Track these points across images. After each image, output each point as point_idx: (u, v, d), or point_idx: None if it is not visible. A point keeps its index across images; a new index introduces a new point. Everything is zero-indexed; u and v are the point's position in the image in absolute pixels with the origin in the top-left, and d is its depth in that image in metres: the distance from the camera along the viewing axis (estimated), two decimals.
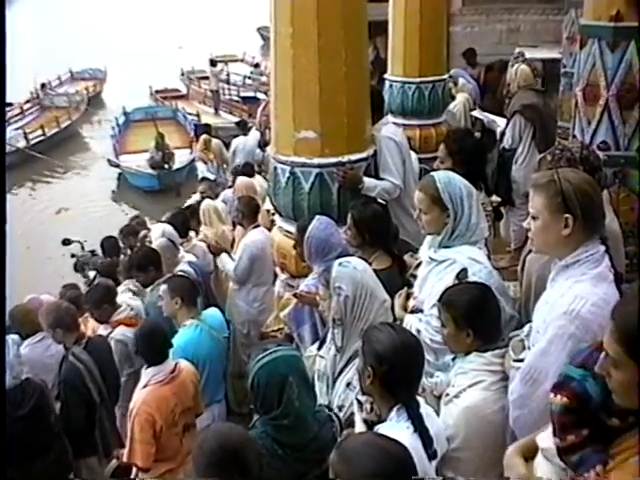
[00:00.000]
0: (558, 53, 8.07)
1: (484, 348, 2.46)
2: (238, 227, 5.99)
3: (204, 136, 11.82)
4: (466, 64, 9.53)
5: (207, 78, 21.02)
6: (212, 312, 4.28)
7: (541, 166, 2.92)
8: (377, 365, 2.20)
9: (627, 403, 1.59)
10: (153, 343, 3.53)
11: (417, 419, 2.16)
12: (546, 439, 1.86)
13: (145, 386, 3.51)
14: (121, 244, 7.37)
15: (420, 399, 2.32)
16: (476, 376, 2.43)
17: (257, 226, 5.33)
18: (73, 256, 8.36)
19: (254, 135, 11.18)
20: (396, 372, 2.19)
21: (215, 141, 11.78)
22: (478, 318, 2.44)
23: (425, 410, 2.27)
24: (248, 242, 5.17)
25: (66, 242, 8.65)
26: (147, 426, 3.42)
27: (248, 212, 5.39)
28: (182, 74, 22.72)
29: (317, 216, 3.61)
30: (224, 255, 5.22)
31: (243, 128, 12.28)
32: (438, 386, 2.58)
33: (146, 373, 3.54)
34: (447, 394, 2.49)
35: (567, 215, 2.13)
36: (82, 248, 8.56)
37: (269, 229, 5.34)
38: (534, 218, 2.23)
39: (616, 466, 1.61)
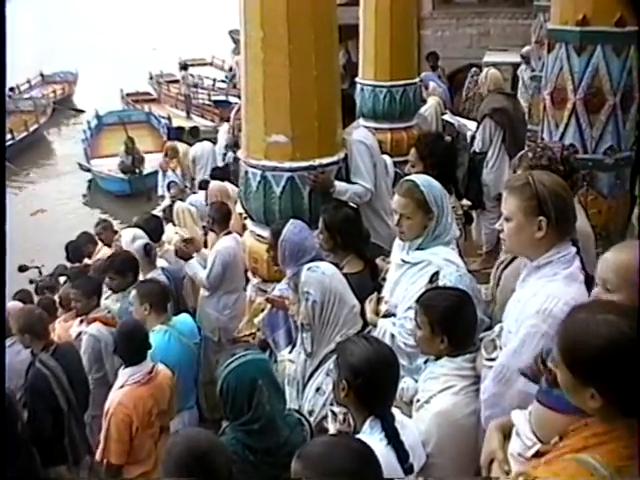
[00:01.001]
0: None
1: (455, 353, 2.47)
2: (210, 233, 5.96)
3: (168, 144, 11.72)
4: (430, 67, 9.61)
5: (176, 82, 20.91)
6: (182, 318, 4.24)
7: (521, 163, 2.93)
8: (352, 378, 2.20)
9: (571, 402, 1.62)
10: (132, 342, 3.51)
11: (391, 431, 2.16)
12: (519, 415, 1.91)
13: (122, 386, 3.48)
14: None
15: (396, 410, 2.32)
16: (447, 381, 2.44)
17: (229, 232, 5.29)
18: (32, 282, 8.13)
19: (208, 145, 11.15)
20: (371, 385, 2.19)
21: (183, 148, 11.63)
22: (454, 326, 2.45)
23: (402, 422, 2.27)
24: (220, 249, 5.13)
25: (23, 269, 8.43)
26: (123, 426, 3.40)
27: (219, 218, 5.33)
28: (150, 77, 22.56)
29: (291, 220, 3.60)
30: (193, 261, 5.15)
31: (195, 135, 12.21)
32: (405, 392, 2.58)
33: (123, 373, 3.51)
34: (418, 399, 2.49)
35: (541, 218, 2.16)
36: (40, 273, 8.39)
37: (241, 234, 5.32)
38: (507, 220, 2.25)
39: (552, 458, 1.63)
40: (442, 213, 2.83)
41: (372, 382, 2.19)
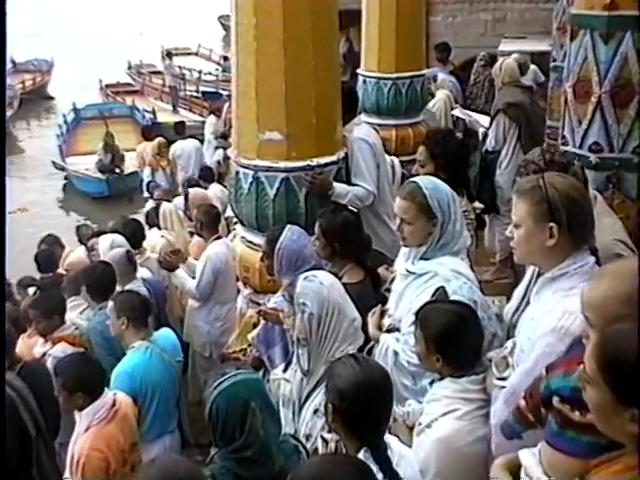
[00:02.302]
0: (548, 45, 8.17)
1: (459, 374, 2.47)
2: (196, 238, 5.97)
3: (159, 139, 11.72)
4: (437, 60, 9.45)
5: (158, 73, 20.93)
6: (164, 333, 4.24)
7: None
8: (338, 402, 2.21)
9: (601, 427, 1.60)
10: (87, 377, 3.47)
11: (385, 463, 2.16)
12: (528, 456, 1.91)
13: (87, 429, 3.43)
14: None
15: (393, 439, 2.32)
16: (449, 404, 2.44)
17: (219, 237, 5.31)
18: None
19: (193, 142, 11.17)
20: (358, 410, 2.19)
21: (181, 146, 11.63)
22: (449, 346, 2.46)
23: (398, 451, 2.27)
24: (211, 255, 5.14)
25: None
26: (100, 472, 3.33)
27: (208, 222, 5.35)
28: (129, 67, 22.57)
29: (288, 225, 3.62)
30: (180, 271, 5.15)
31: (180, 131, 12.20)
32: (410, 416, 2.59)
33: (85, 414, 3.43)
34: (419, 423, 2.50)
35: (552, 224, 2.16)
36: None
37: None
38: (516, 226, 2.27)
39: None
40: (448, 219, 2.83)
41: (359, 407, 2.19)
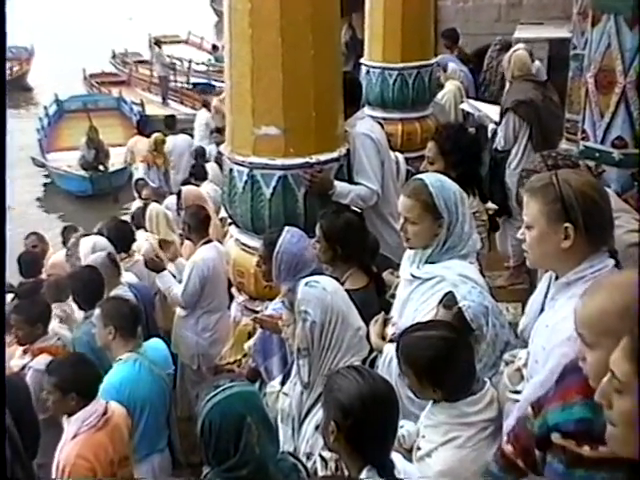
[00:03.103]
0: (568, 32, 8.12)
1: (455, 397, 2.46)
2: (186, 242, 5.98)
3: (156, 135, 11.73)
4: (446, 48, 9.44)
5: (145, 62, 20.94)
6: (154, 344, 4.25)
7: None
8: (342, 419, 2.20)
9: (626, 448, 1.55)
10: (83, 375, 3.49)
11: None
12: None
13: (75, 435, 3.45)
14: None
15: (397, 456, 2.33)
16: (448, 431, 2.44)
17: (208, 241, 5.31)
18: None
19: (185, 138, 11.16)
20: (364, 427, 2.19)
21: (172, 142, 11.61)
22: (445, 375, 2.44)
23: (405, 470, 2.28)
24: (198, 260, 5.15)
25: None
26: None
27: (197, 224, 5.34)
28: (113, 56, 22.59)
29: (287, 227, 3.63)
30: (166, 273, 5.16)
31: (171, 126, 12.18)
32: (406, 439, 2.59)
33: (74, 420, 3.47)
34: (419, 447, 2.50)
35: (567, 224, 2.16)
36: None
37: (220, 242, 5.34)
38: (529, 227, 2.26)
39: None
40: (455, 220, 2.85)
41: (366, 424, 2.18)
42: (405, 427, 2.61)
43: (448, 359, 2.43)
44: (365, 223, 3.78)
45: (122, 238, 5.62)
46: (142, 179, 10.18)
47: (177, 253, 5.49)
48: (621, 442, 1.56)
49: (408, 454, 2.53)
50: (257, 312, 3.98)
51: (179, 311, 5.36)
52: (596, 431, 1.69)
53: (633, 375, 1.49)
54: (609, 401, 1.55)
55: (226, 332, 5.07)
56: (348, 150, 4.26)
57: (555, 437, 1.83)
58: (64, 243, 7.34)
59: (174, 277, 5.27)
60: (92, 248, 5.22)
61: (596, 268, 2.18)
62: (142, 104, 17.77)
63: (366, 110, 5.49)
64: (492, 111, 6.83)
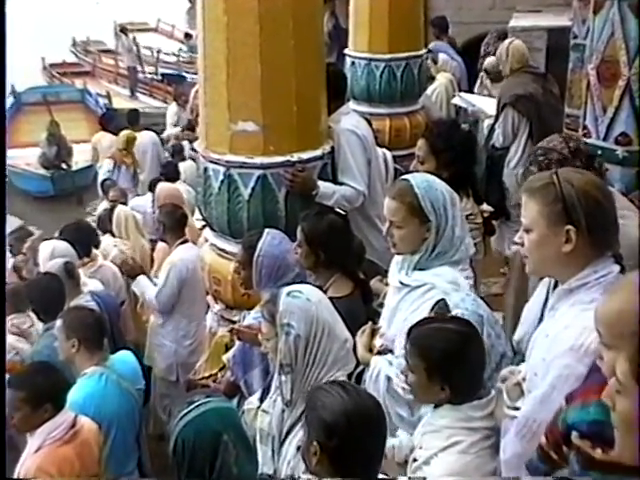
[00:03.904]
0: (568, 20, 8.16)
1: (460, 400, 2.48)
2: (160, 245, 5.97)
3: (127, 133, 11.65)
4: (435, 37, 9.48)
5: (110, 51, 20.86)
6: (123, 357, 4.23)
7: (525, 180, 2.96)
8: (325, 439, 2.19)
9: (626, 452, 1.60)
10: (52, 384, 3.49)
11: None
12: None
13: (39, 449, 3.44)
14: None
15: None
16: (451, 436, 2.45)
17: (185, 241, 5.32)
18: None
19: (149, 135, 11.12)
20: (350, 447, 2.19)
21: (144, 139, 11.54)
22: (457, 371, 2.46)
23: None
24: (175, 260, 5.16)
25: None
26: None
27: (172, 224, 5.36)
28: (74, 44, 22.46)
29: (267, 229, 3.64)
30: (142, 278, 5.16)
31: (134, 121, 12.12)
32: (397, 450, 2.60)
33: (39, 432, 3.47)
34: (414, 459, 2.51)
35: (568, 226, 2.17)
36: None
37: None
38: (527, 230, 2.27)
39: None
40: (444, 223, 2.87)
41: (351, 443, 2.18)
42: (400, 437, 2.62)
43: (462, 353, 2.45)
44: (350, 226, 3.79)
45: (83, 241, 5.60)
46: (109, 179, 10.13)
47: (138, 270, 5.44)
48: (621, 446, 1.61)
49: (399, 468, 2.54)
50: (234, 322, 3.99)
51: (154, 318, 5.34)
52: (608, 434, 1.71)
53: (631, 376, 1.53)
54: (614, 402, 1.60)
55: (206, 341, 5.10)
56: (332, 148, 4.27)
57: (574, 436, 1.86)
58: (12, 248, 7.27)
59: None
60: (51, 254, 5.18)
61: (600, 274, 2.18)
62: (109, 97, 17.69)
63: (351, 105, 5.51)
64: (488, 105, 6.86)
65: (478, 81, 8.58)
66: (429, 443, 2.48)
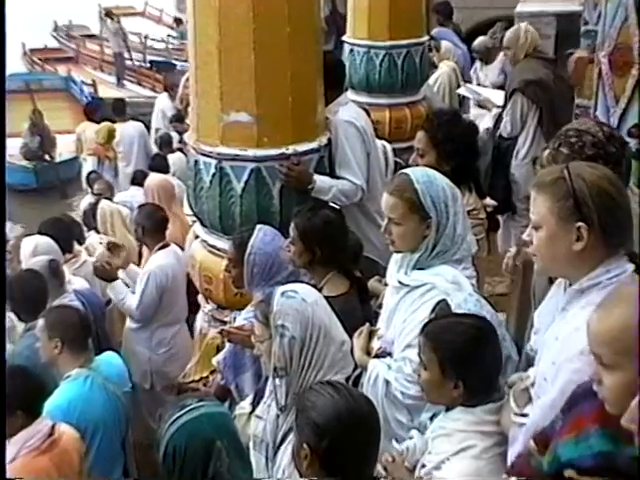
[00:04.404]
0: (578, 4, 8.14)
1: (473, 402, 2.50)
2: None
3: (108, 125, 11.61)
4: (438, 24, 9.46)
5: (94, 37, 20.82)
6: (108, 358, 4.23)
7: (556, 161, 2.89)
8: (316, 442, 2.20)
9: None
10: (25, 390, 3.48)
11: None
12: None
13: (14, 459, 3.43)
14: None
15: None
16: (463, 439, 2.46)
17: (166, 245, 5.30)
18: None
19: (135, 125, 11.09)
20: (342, 450, 2.20)
21: (130, 130, 11.50)
22: (473, 368, 2.47)
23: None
24: (154, 268, 5.13)
25: None
26: None
27: (152, 226, 5.29)
28: (55, 28, 22.39)
29: (259, 225, 3.65)
30: (118, 283, 5.12)
31: (120, 111, 12.09)
32: (410, 453, 2.61)
33: (14, 441, 3.45)
34: (423, 465, 2.52)
35: (580, 224, 2.16)
36: None
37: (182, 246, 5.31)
38: (536, 227, 2.27)
39: None
40: (445, 220, 2.88)
41: (343, 446, 2.19)
42: (414, 439, 2.63)
43: (479, 350, 2.47)
44: (345, 221, 3.78)
45: (64, 236, 5.57)
46: (95, 171, 10.11)
47: (129, 259, 5.43)
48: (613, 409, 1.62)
49: (409, 474, 2.55)
50: (226, 323, 3.99)
51: (130, 323, 5.33)
52: (619, 465, 1.71)
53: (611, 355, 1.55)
54: (599, 381, 1.61)
55: (184, 347, 5.11)
56: (329, 140, 4.27)
57: (569, 473, 1.82)
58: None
59: (127, 286, 5.25)
60: (33, 251, 5.17)
61: (613, 273, 2.17)
62: (94, 85, 17.65)
63: (349, 95, 5.51)
64: (494, 95, 6.86)
65: (473, 68, 8.58)
66: (439, 447, 2.50)
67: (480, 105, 7.00)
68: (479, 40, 8.26)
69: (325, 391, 2.28)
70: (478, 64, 8.47)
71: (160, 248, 5.25)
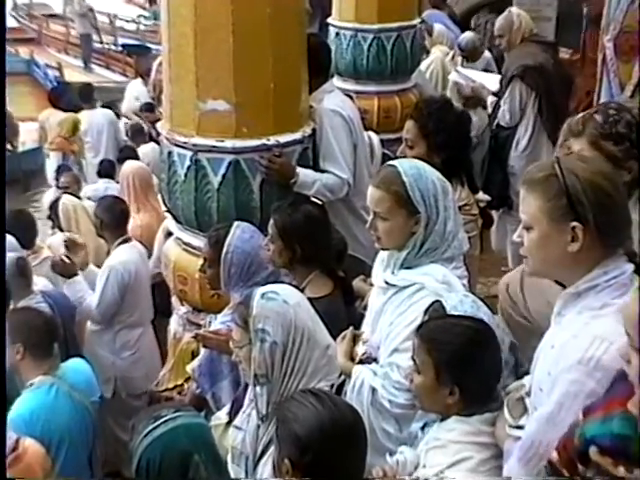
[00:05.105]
0: None
1: (470, 411, 2.51)
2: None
3: (72, 116, 11.52)
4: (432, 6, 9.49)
5: (57, 16, 20.69)
6: (76, 365, 4.22)
7: (584, 130, 2.89)
8: (297, 456, 2.21)
9: None
10: None
11: None
12: None
13: None
14: None
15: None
16: (458, 451, 2.47)
17: (127, 240, 5.30)
18: None
19: (105, 113, 11.03)
20: (326, 464, 2.20)
21: (88, 118, 11.42)
22: (470, 373, 2.47)
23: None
24: (115, 264, 5.13)
25: None
26: None
27: (111, 220, 5.29)
28: (14, 6, 22.26)
29: (236, 222, 3.66)
30: (78, 280, 5.10)
31: (86, 98, 12.03)
32: (401, 467, 2.61)
33: None
34: (416, 478, 2.53)
35: (575, 223, 2.16)
36: None
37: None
38: (527, 228, 2.26)
39: None
40: (435, 216, 2.90)
41: (327, 460, 2.19)
42: (404, 453, 2.63)
43: (477, 353, 2.48)
44: (328, 218, 3.79)
45: (24, 232, 5.56)
46: (65, 165, 10.05)
47: (88, 260, 5.40)
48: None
49: None
50: (202, 326, 4.00)
51: (91, 325, 5.32)
52: (633, 451, 1.75)
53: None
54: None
55: (149, 351, 5.13)
56: (314, 130, 4.28)
57: (592, 452, 1.86)
58: None
59: None
60: None
61: (611, 275, 2.17)
62: (59, 68, 17.54)
63: (335, 81, 5.52)
64: (489, 80, 6.85)
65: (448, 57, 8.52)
66: (434, 460, 2.50)
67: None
68: (467, 37, 8.26)
69: (307, 401, 2.29)
70: (459, 59, 8.44)
71: (120, 243, 5.26)
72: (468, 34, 8.45)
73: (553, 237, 2.21)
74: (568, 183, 2.17)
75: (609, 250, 2.20)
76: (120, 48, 19.34)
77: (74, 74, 17.68)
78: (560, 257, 2.21)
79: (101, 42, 19.72)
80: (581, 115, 3.01)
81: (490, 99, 6.51)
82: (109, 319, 5.20)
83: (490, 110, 6.33)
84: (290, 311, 2.77)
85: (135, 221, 6.02)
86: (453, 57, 8.25)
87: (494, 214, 5.85)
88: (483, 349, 2.50)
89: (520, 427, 2.33)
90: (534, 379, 2.35)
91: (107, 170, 8.56)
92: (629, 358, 1.82)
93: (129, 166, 6.75)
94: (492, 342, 2.54)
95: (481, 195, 4.58)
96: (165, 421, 2.41)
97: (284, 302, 2.79)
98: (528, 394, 2.38)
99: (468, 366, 2.47)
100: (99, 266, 5.40)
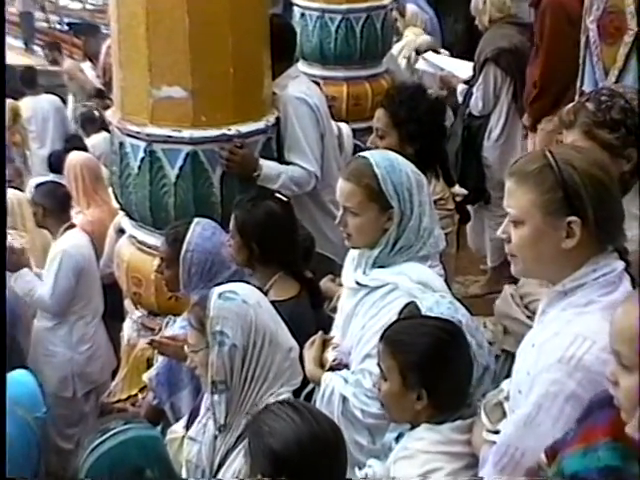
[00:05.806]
0: None
1: (440, 419, 2.51)
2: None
3: (12, 103, 11.36)
4: None
5: None
6: (19, 377, 4.18)
7: (576, 118, 2.86)
8: (273, 472, 2.20)
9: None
10: None
11: None
12: None
13: None
14: None
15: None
16: (427, 462, 2.46)
17: (72, 226, 5.29)
18: None
19: (50, 99, 10.95)
20: None
21: (32, 105, 11.29)
22: (438, 375, 2.48)
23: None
24: (67, 248, 5.13)
25: None
26: None
27: (54, 205, 5.31)
28: None
29: (197, 219, 3.65)
30: (26, 272, 5.07)
31: (30, 83, 11.91)
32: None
33: None
34: None
35: (571, 218, 2.15)
36: None
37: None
38: (516, 223, 2.24)
39: None
40: (409, 211, 2.90)
41: (305, 475, 2.20)
42: (373, 467, 2.63)
43: (445, 354, 2.47)
44: (294, 214, 3.78)
45: None
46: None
47: (22, 262, 5.37)
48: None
49: None
50: (157, 331, 3.98)
51: (42, 322, 5.29)
52: None
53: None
54: (616, 381, 1.64)
55: (104, 346, 5.13)
56: (278, 119, 4.29)
57: None
58: None
59: None
60: None
61: (600, 273, 2.17)
62: None
63: (300, 66, 5.53)
64: (460, 67, 6.85)
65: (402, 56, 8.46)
66: (402, 471, 2.50)
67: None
68: (423, 38, 8.23)
69: (284, 413, 2.28)
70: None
71: (67, 229, 5.26)
72: (425, 37, 8.43)
73: (547, 233, 2.19)
74: (564, 175, 2.16)
75: (602, 246, 2.20)
76: (66, 28, 19.16)
77: (15, 56, 17.44)
78: (552, 254, 2.21)
79: (47, 22, 19.48)
80: (572, 105, 3.02)
81: (460, 87, 6.50)
82: (65, 308, 5.17)
83: (461, 99, 6.32)
84: (250, 311, 2.77)
85: (85, 217, 5.96)
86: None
87: (470, 209, 5.87)
88: (451, 350, 2.50)
89: (498, 432, 2.31)
90: (513, 381, 2.36)
91: (56, 163, 8.47)
92: (615, 379, 1.77)
93: (75, 157, 6.68)
94: (461, 342, 2.53)
95: (457, 189, 4.60)
96: (114, 434, 2.38)
97: (243, 302, 2.79)
98: (507, 398, 2.38)
99: (435, 368, 2.47)
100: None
